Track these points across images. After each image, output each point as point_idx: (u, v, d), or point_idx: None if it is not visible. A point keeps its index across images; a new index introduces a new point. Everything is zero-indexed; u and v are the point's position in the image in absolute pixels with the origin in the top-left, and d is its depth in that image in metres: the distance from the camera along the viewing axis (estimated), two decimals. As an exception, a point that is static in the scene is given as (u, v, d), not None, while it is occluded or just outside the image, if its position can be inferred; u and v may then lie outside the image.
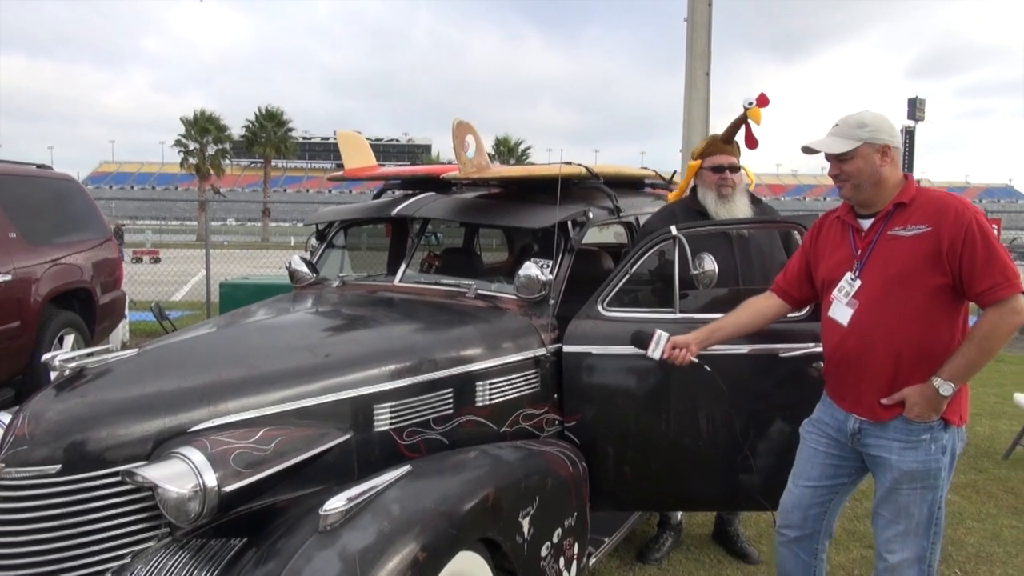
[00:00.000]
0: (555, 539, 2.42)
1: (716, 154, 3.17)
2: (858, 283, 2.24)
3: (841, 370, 2.31)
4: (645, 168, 4.39)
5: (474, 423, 2.60)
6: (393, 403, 2.36)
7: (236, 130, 47.58)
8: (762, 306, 2.57)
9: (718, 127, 3.33)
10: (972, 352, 2.09)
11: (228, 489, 1.84)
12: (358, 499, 1.84)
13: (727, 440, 2.81)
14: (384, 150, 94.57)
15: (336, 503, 1.80)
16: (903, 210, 2.19)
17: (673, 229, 2.84)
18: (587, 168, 3.43)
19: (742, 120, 3.17)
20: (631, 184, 4.23)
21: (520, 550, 2.25)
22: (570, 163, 3.49)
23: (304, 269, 3.47)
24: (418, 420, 2.43)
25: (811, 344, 2.74)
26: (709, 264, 2.69)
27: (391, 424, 2.35)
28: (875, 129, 2.19)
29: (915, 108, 24.87)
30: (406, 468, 2.04)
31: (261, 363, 2.23)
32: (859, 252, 2.26)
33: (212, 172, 45.40)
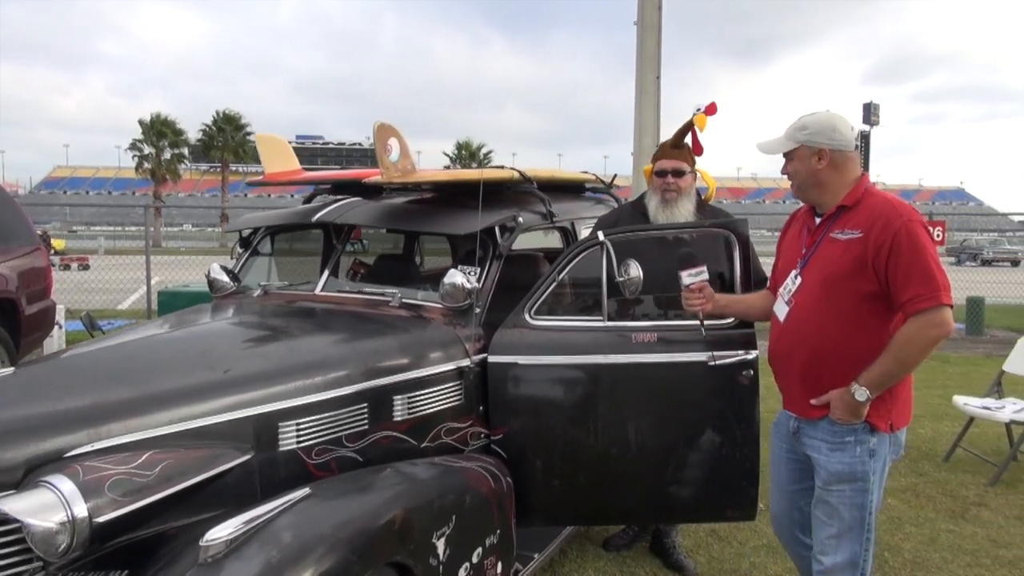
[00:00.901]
0: (475, 559, 2.33)
1: (663, 158, 3.13)
2: (799, 282, 2.26)
3: (777, 367, 2.37)
4: (585, 172, 4.32)
5: (392, 439, 2.48)
6: (300, 420, 2.23)
7: (195, 134, 46.76)
8: (771, 299, 2.54)
9: (671, 132, 3.30)
10: (888, 362, 2.07)
11: (101, 520, 1.70)
12: (247, 527, 1.72)
13: (657, 451, 2.74)
14: (347, 154, 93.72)
15: (219, 532, 1.68)
16: (846, 213, 2.20)
17: (600, 235, 2.77)
18: (519, 172, 3.34)
19: (689, 126, 3.17)
20: (571, 188, 4.16)
21: (434, 572, 2.15)
22: (502, 167, 3.40)
23: (224, 278, 3.31)
24: (329, 437, 2.30)
25: (741, 351, 2.69)
26: (635, 271, 2.62)
27: (298, 443, 2.22)
28: (813, 132, 2.21)
29: (870, 113, 25.68)
30: (304, 491, 1.92)
31: (151, 380, 2.09)
32: (804, 251, 2.28)
33: (168, 177, 44.47)
